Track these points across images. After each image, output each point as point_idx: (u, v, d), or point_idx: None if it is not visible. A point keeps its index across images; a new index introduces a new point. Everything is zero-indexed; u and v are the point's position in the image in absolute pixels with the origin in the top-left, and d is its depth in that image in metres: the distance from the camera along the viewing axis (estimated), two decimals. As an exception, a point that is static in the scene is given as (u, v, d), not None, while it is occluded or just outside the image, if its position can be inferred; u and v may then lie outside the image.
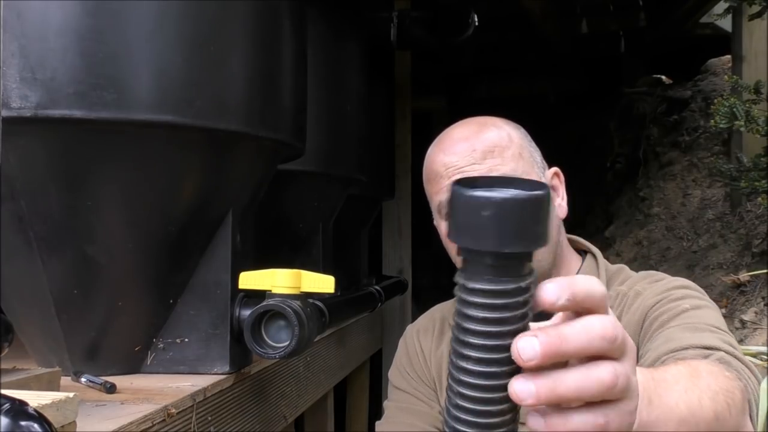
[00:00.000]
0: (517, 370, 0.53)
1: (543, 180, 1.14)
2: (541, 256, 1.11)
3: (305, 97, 1.83)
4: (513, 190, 0.51)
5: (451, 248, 1.14)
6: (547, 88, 5.88)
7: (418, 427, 1.26)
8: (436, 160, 1.16)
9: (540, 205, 0.50)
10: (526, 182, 0.52)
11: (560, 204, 1.18)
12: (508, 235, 0.49)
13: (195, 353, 1.56)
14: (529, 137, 1.20)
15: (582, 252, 1.25)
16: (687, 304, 1.03)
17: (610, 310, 0.55)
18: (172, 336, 1.56)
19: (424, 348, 1.30)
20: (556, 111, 6.03)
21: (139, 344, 1.55)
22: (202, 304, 1.57)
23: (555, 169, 1.19)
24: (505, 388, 0.53)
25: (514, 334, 0.52)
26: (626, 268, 1.21)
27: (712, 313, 1.03)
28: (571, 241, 1.24)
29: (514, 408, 0.54)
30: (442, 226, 1.18)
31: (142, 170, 1.43)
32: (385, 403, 1.34)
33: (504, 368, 0.53)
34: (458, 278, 0.53)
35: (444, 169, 1.13)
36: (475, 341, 0.52)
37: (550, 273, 1.14)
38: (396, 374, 1.34)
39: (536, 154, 1.18)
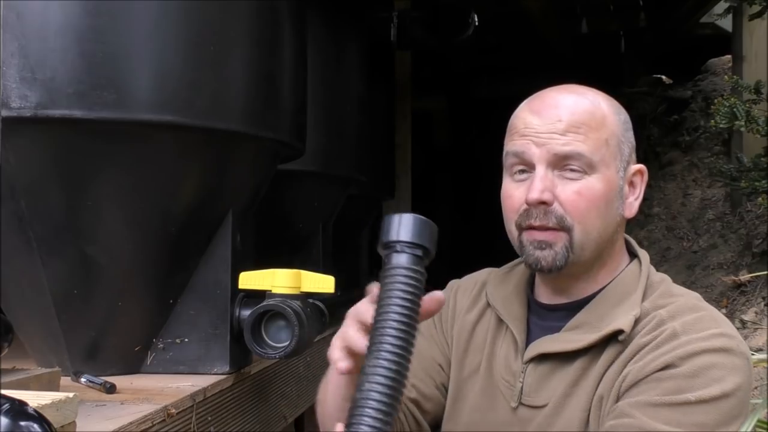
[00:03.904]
0: None
1: (619, 175, 1.09)
2: (583, 245, 1.06)
3: (305, 97, 1.83)
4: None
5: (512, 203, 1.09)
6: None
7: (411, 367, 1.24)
8: (520, 115, 1.10)
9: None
10: None
11: (631, 203, 1.11)
12: None
13: (195, 353, 1.55)
14: (628, 126, 1.12)
15: (631, 254, 1.17)
16: (692, 396, 0.96)
17: None
18: (172, 336, 1.56)
19: (457, 306, 1.25)
20: (557, 111, 6.01)
21: (139, 344, 1.55)
22: (202, 304, 1.57)
23: (640, 167, 1.12)
24: None
25: None
26: (668, 280, 1.13)
27: (713, 412, 0.97)
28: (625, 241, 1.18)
29: None
30: (506, 179, 1.11)
31: (142, 170, 1.43)
32: None
33: None
34: None
35: (524, 126, 1.08)
36: None
37: (592, 266, 1.10)
38: None
39: (626, 147, 1.10)
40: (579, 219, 1.05)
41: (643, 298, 1.08)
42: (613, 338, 1.04)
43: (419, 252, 0.84)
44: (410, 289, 0.81)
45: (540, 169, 1.06)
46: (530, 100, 1.13)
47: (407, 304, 0.80)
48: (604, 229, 1.08)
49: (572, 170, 1.05)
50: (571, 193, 1.05)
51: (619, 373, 1.02)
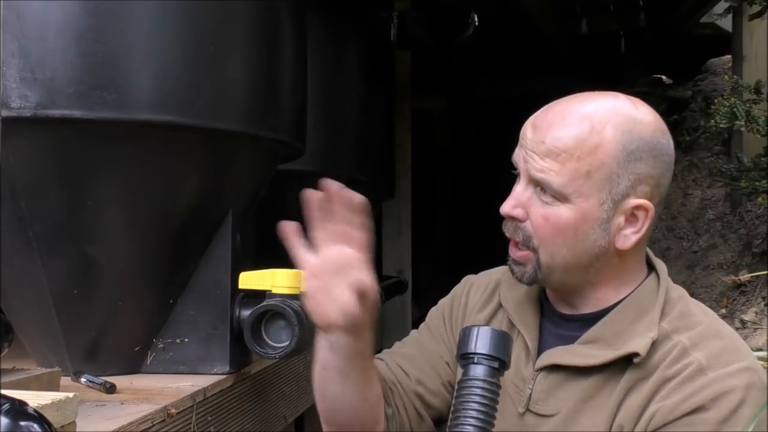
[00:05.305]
0: None
1: (603, 207, 1.04)
2: (550, 267, 1.06)
3: (305, 97, 1.83)
4: None
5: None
6: (547, 88, 5.87)
7: (416, 361, 1.24)
8: (528, 121, 1.10)
9: None
10: None
11: (626, 235, 1.06)
12: None
13: (195, 353, 1.56)
14: (639, 156, 1.05)
15: (649, 265, 1.14)
16: None
17: None
18: (172, 336, 1.56)
19: (469, 304, 1.26)
20: (557, 111, 6.01)
21: (139, 344, 1.55)
22: (202, 304, 1.57)
23: (642, 202, 1.05)
24: None
25: None
26: (686, 296, 1.11)
27: None
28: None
29: None
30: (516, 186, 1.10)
31: (142, 170, 1.43)
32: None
33: None
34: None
35: (522, 136, 1.09)
36: None
37: (578, 288, 1.10)
38: (433, 310, 1.31)
39: (623, 179, 1.04)
40: (544, 243, 1.06)
41: (661, 316, 1.06)
42: (629, 360, 1.03)
43: (495, 364, 0.93)
44: (486, 402, 0.89)
45: (520, 185, 1.07)
46: (547, 106, 1.11)
47: (482, 417, 0.88)
48: (572, 258, 1.06)
49: (545, 194, 1.05)
50: (539, 217, 1.06)
51: (643, 406, 1.01)
